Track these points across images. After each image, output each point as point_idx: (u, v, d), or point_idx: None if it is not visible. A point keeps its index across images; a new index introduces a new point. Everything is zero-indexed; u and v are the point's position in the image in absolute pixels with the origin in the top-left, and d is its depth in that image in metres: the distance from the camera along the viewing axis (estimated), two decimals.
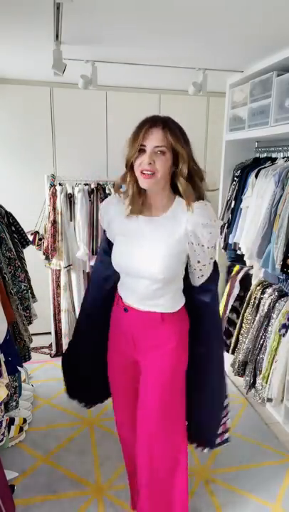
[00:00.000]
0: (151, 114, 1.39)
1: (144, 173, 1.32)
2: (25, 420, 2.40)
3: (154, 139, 1.30)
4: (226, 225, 2.98)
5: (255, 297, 2.69)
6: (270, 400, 2.57)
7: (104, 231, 1.58)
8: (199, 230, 1.36)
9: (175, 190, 1.43)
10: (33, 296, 2.56)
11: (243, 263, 2.95)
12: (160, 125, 1.31)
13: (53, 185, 3.10)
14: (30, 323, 2.28)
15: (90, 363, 1.76)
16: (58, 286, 3.22)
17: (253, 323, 2.67)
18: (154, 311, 1.46)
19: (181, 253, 1.41)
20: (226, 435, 1.78)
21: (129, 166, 1.37)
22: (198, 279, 1.50)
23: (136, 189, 1.39)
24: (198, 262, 1.43)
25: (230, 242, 2.92)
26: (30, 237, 3.04)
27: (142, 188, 1.38)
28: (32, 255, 2.96)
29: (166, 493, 1.60)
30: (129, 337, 1.53)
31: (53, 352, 3.32)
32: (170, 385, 1.52)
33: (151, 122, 1.32)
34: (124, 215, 1.44)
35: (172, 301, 1.48)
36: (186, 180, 1.36)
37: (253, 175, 2.71)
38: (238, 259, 2.99)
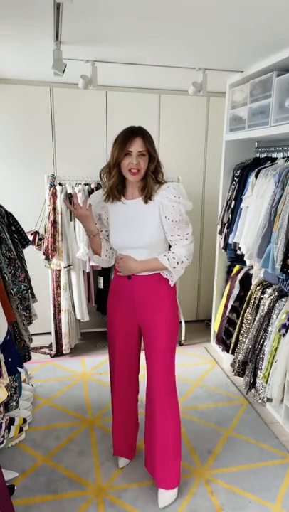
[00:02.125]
0: (129, 126, 1.78)
1: (131, 171, 1.74)
2: (25, 420, 2.40)
3: (138, 146, 1.73)
4: (226, 225, 2.98)
5: (255, 297, 2.69)
6: (270, 399, 2.57)
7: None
8: (164, 202, 1.76)
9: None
10: (33, 296, 2.56)
11: (243, 263, 2.95)
12: (140, 135, 1.73)
13: (53, 185, 3.10)
14: (30, 323, 2.28)
15: None
16: (58, 286, 3.22)
17: (253, 323, 2.67)
18: (152, 273, 1.83)
19: (160, 222, 1.79)
20: None
21: (115, 165, 1.76)
22: (172, 246, 1.84)
23: (118, 181, 1.80)
24: (166, 232, 1.81)
25: (230, 242, 2.92)
26: (30, 237, 3.03)
27: (121, 180, 1.81)
28: (32, 255, 2.96)
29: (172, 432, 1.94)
30: (131, 300, 1.88)
31: (53, 352, 3.31)
32: (171, 333, 1.88)
33: (134, 133, 1.73)
34: (109, 202, 1.86)
35: None
36: (153, 174, 1.80)
37: (253, 175, 2.71)
38: (238, 259, 2.99)
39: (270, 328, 2.52)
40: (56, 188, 3.07)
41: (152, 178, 1.78)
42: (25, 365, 2.51)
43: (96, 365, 3.17)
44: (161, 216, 1.78)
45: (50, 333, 3.34)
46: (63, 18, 1.85)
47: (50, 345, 3.37)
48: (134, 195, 1.84)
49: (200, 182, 3.78)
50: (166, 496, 1.92)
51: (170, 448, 1.91)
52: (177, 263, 1.80)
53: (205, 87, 2.76)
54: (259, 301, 2.65)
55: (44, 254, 3.12)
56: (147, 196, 1.78)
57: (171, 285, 1.86)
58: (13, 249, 2.16)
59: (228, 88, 3.08)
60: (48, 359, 3.29)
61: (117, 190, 1.82)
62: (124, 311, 1.92)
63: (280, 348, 2.41)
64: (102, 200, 1.87)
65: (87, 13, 1.82)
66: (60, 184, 3.13)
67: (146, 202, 1.78)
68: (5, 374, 1.63)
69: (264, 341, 2.56)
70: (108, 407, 2.60)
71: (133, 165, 1.72)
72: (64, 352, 3.30)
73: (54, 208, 3.07)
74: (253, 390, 2.69)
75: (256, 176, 2.67)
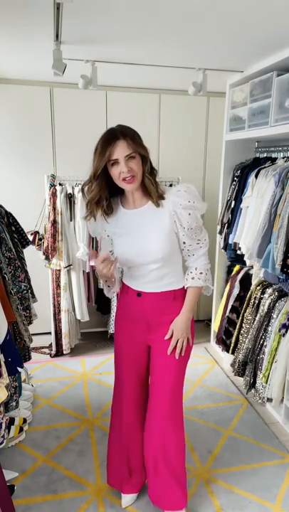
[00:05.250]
0: (107, 130, 1.58)
1: (126, 180, 1.52)
2: (25, 420, 2.40)
3: (123, 150, 1.49)
4: (226, 225, 2.98)
5: (255, 297, 2.69)
6: (270, 399, 2.57)
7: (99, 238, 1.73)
8: (179, 211, 1.56)
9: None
10: (33, 296, 2.56)
11: (243, 263, 2.95)
12: (121, 137, 1.49)
13: (53, 185, 3.10)
14: (30, 323, 2.28)
15: None
16: (58, 286, 3.22)
17: (253, 323, 2.67)
18: (165, 290, 1.66)
19: (171, 232, 1.59)
20: None
21: (96, 177, 1.54)
22: (188, 257, 1.69)
23: (98, 195, 1.57)
24: (184, 242, 1.63)
25: (230, 242, 2.92)
26: (30, 237, 3.03)
27: (107, 192, 1.59)
28: (32, 255, 2.96)
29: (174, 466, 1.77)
30: (143, 318, 1.70)
31: (53, 352, 3.31)
32: (184, 357, 1.70)
33: (115, 137, 1.50)
34: (106, 217, 1.64)
35: (177, 278, 1.68)
36: (150, 174, 1.57)
37: (253, 175, 2.71)
38: (238, 259, 2.99)
39: (270, 328, 2.52)
40: (56, 188, 3.07)
41: (151, 181, 1.56)
42: (25, 365, 2.51)
43: (96, 365, 3.17)
44: (174, 225, 1.58)
45: (50, 333, 3.34)
46: (63, 18, 1.85)
47: (50, 345, 3.37)
48: (137, 204, 1.62)
49: (200, 182, 3.77)
50: None
51: (175, 468, 1.76)
52: (206, 274, 1.66)
53: (205, 87, 2.76)
54: (259, 301, 2.65)
55: (44, 254, 3.12)
56: (158, 198, 1.56)
57: (209, 294, 1.73)
58: (13, 249, 2.16)
59: (228, 88, 3.08)
60: (48, 359, 3.29)
61: (98, 204, 1.58)
62: (133, 332, 1.74)
63: (280, 348, 2.41)
64: (100, 219, 1.64)
65: (87, 13, 1.82)
66: (60, 184, 3.13)
67: (158, 205, 1.57)
68: (5, 374, 1.63)
69: (264, 341, 2.56)
70: (108, 407, 2.61)
71: (125, 173, 1.49)
72: (64, 352, 3.30)
73: (54, 208, 3.07)
74: (253, 390, 2.69)
75: (256, 176, 2.67)
